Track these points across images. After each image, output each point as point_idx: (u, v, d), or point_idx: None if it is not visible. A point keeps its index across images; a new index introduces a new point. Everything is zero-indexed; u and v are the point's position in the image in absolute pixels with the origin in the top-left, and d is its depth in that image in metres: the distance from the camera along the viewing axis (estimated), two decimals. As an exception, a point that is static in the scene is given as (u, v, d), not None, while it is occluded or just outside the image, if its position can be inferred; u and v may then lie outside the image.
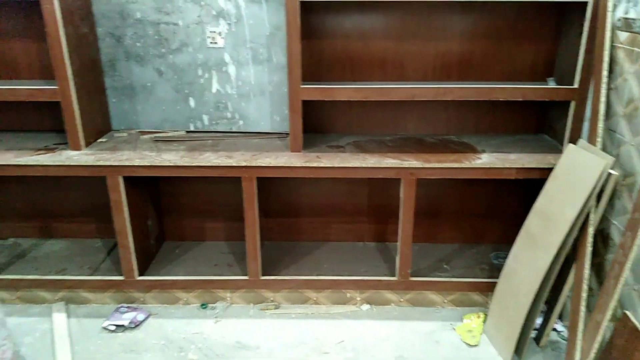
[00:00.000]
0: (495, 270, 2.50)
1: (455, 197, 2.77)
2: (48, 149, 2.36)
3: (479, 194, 2.76)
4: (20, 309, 2.54)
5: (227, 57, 2.52)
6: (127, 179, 2.30)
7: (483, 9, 2.40)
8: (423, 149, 2.42)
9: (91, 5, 2.41)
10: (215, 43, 2.48)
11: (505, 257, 2.36)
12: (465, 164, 2.25)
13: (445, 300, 2.56)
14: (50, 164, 2.24)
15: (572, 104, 2.27)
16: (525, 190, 2.67)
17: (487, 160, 2.28)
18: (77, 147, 2.33)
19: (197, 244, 2.86)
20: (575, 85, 2.24)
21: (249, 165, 2.26)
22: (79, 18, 2.29)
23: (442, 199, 2.78)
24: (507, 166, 2.24)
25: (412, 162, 2.25)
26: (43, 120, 2.64)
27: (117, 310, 2.50)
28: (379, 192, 2.76)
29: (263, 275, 2.50)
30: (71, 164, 2.23)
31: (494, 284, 2.38)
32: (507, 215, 2.77)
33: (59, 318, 2.45)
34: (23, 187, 2.76)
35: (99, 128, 2.52)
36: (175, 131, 2.65)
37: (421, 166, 2.24)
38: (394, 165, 2.25)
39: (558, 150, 2.37)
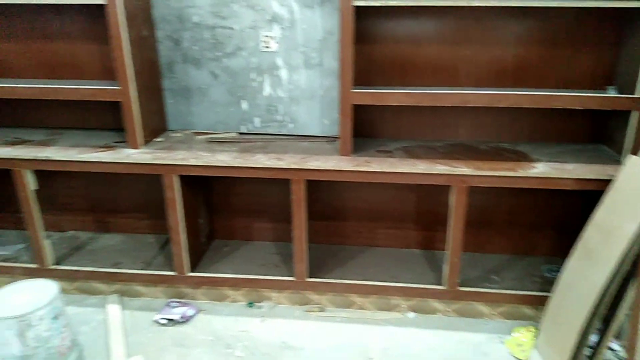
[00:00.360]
0: (548, 284, 2.41)
1: (506, 206, 2.70)
2: (108, 147, 2.47)
3: (531, 204, 2.68)
4: (78, 299, 2.67)
5: (279, 61, 2.56)
6: (181, 178, 2.38)
7: (540, 14, 2.34)
8: (475, 156, 2.37)
9: (152, 9, 2.51)
10: (269, 47, 2.53)
11: (558, 270, 2.28)
12: (520, 173, 2.19)
13: (494, 312, 2.50)
14: (110, 161, 2.34)
15: (634, 114, 2.17)
16: (579, 201, 2.57)
17: (543, 169, 2.21)
18: (135, 146, 2.43)
19: (245, 243, 2.92)
20: (637, 95, 2.14)
21: (298, 167, 2.28)
22: (140, 21, 2.39)
23: (492, 208, 2.71)
24: (564, 177, 2.16)
25: (463, 169, 2.21)
26: (104, 119, 2.76)
27: (168, 304, 2.58)
28: (427, 198, 2.73)
29: (309, 277, 2.52)
30: (130, 161, 2.33)
31: (546, 298, 2.30)
32: (560, 226, 2.68)
33: (114, 309, 2.55)
34: (83, 183, 2.90)
35: (156, 128, 2.61)
36: (227, 132, 2.71)
37: (473, 174, 2.20)
38: (444, 172, 2.21)
39: (617, 161, 2.27)
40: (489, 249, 2.80)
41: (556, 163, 2.28)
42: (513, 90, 2.28)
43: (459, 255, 2.36)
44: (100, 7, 2.27)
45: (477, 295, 2.46)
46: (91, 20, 2.54)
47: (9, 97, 2.44)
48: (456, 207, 2.26)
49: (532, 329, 2.37)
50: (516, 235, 2.76)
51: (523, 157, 2.36)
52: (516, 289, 2.46)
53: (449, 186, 2.27)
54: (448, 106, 2.40)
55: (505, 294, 2.44)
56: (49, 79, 2.67)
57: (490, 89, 2.40)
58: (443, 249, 2.75)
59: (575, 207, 2.60)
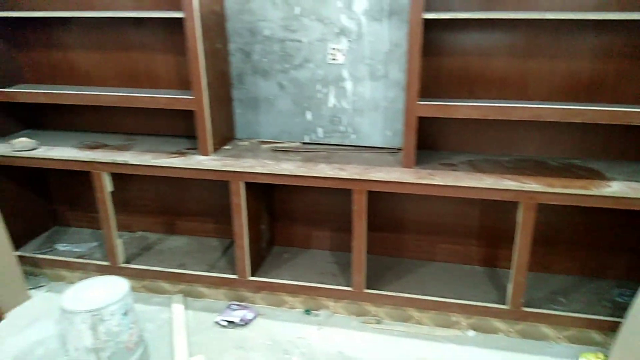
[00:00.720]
0: (619, 308, 2.29)
1: (576, 225, 2.59)
2: (180, 153, 2.59)
3: (604, 224, 2.55)
4: (145, 298, 2.79)
5: (345, 73, 2.60)
6: (247, 185, 2.45)
7: (619, 27, 2.24)
8: (545, 172, 2.30)
9: (226, 22, 2.62)
10: (336, 59, 2.57)
11: (632, 295, 2.16)
12: (593, 192, 2.10)
13: (560, 336, 2.39)
14: (183, 167, 2.45)
15: None
16: (660, 223, 2.43)
17: (618, 188, 2.11)
18: (205, 153, 2.53)
19: (304, 251, 2.96)
20: None
21: (361, 178, 2.30)
22: (214, 35, 2.50)
23: (561, 226, 2.61)
24: (642, 196, 2.05)
25: (533, 185, 2.15)
26: (176, 126, 2.90)
27: (228, 307, 2.65)
28: (490, 213, 2.67)
29: (366, 288, 2.52)
30: (200, 167, 2.43)
31: (617, 323, 2.19)
32: (635, 249, 2.54)
33: (178, 309, 2.66)
34: (154, 186, 3.05)
35: (225, 136, 2.72)
36: (291, 142, 2.78)
37: (543, 190, 2.13)
38: (513, 188, 2.16)
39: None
40: (556, 269, 2.69)
41: (633, 182, 2.17)
42: (587, 106, 2.19)
43: (525, 274, 2.29)
44: (177, 20, 2.41)
45: (542, 317, 2.37)
46: (168, 33, 2.69)
47: (93, 104, 2.62)
48: (523, 225, 2.20)
49: (601, 356, 2.25)
50: (586, 255, 2.63)
51: (596, 175, 2.26)
52: (585, 312, 2.35)
53: (515, 202, 2.21)
54: (516, 120, 2.34)
55: (573, 317, 2.34)
56: (127, 87, 2.84)
57: (562, 103, 2.33)
58: (506, 267, 2.68)
59: (652, 229, 2.47)
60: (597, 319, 2.32)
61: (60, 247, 3.01)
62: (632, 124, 2.12)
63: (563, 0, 2.25)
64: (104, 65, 2.85)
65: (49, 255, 2.89)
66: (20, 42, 2.90)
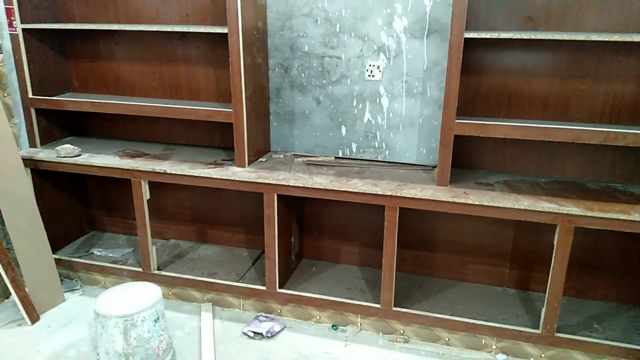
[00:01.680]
0: (660, 340, 2.21)
1: (615, 250, 2.52)
2: (217, 164, 2.64)
3: (644, 251, 2.49)
4: (174, 305, 2.83)
5: (382, 90, 2.62)
6: (279, 197, 2.48)
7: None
8: (583, 195, 2.25)
9: (267, 38, 2.68)
10: (373, 76, 2.60)
11: (675, 327, 2.08)
12: (635, 217, 2.05)
13: (596, 364, 2.32)
14: (219, 178, 2.50)
15: None
16: None
17: (661, 214, 2.06)
18: (242, 164, 2.58)
19: (332, 265, 2.96)
20: None
21: (393, 194, 2.30)
22: (256, 50, 2.56)
23: (598, 251, 2.55)
24: (687, 224, 1.99)
25: (571, 208, 2.11)
26: (213, 137, 2.96)
27: (256, 318, 2.67)
28: (525, 236, 2.62)
29: (395, 306, 2.50)
30: (236, 179, 2.48)
31: (658, 355, 2.11)
32: (678, 279, 2.45)
33: (206, 318, 2.68)
34: (189, 195, 3.11)
35: (260, 148, 2.76)
36: (325, 156, 2.80)
37: (582, 214, 2.09)
38: (550, 210, 2.12)
39: None
40: (592, 295, 2.62)
41: (677, 209, 2.11)
42: (630, 129, 2.15)
43: (560, 299, 2.23)
44: (220, 35, 2.47)
45: (576, 344, 2.30)
46: (211, 47, 2.77)
47: (136, 114, 2.71)
48: (560, 248, 2.16)
49: (640, 388, 2.17)
50: (624, 282, 2.56)
51: (637, 200, 2.21)
52: (620, 341, 2.27)
53: (551, 225, 2.17)
54: (556, 141, 2.31)
55: (608, 344, 2.26)
56: (169, 98, 2.93)
57: (604, 125, 2.29)
58: (540, 291, 2.63)
59: (696, 259, 2.38)
60: (633, 348, 2.24)
61: (96, 251, 3.09)
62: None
63: (606, 22, 2.23)
64: (147, 77, 2.94)
65: (85, 259, 2.97)
66: (68, 52, 3.03)
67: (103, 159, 2.72)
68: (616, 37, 2.01)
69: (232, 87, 2.45)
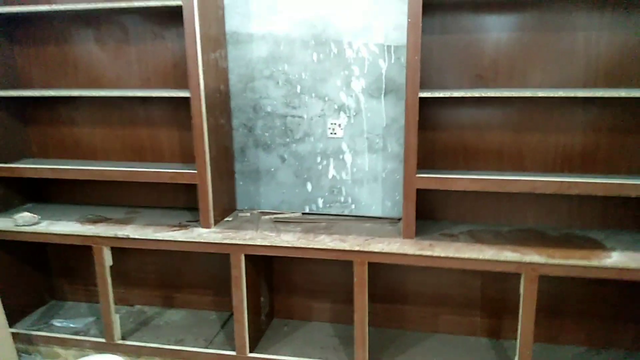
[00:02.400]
0: (631, 383, 2.22)
1: (581, 295, 2.57)
2: (182, 226, 2.61)
3: (608, 294, 2.54)
4: (140, 374, 2.70)
5: (344, 146, 2.68)
6: (247, 257, 2.45)
7: (608, 103, 2.35)
8: (545, 243, 2.31)
9: (230, 100, 2.73)
10: (335, 134, 2.66)
11: (644, 370, 2.11)
12: (595, 263, 2.10)
13: (572, 413, 2.31)
14: (184, 241, 2.46)
15: None
16: (663, 293, 2.41)
17: (619, 259, 2.12)
18: (207, 225, 2.55)
19: (304, 324, 2.90)
20: None
21: (361, 250, 2.30)
22: (219, 111, 2.59)
23: (564, 297, 2.59)
24: (644, 267, 2.06)
25: (534, 257, 2.16)
26: (177, 198, 2.93)
27: (227, 385, 2.56)
28: (493, 284, 2.65)
29: (370, 363, 2.46)
30: (201, 241, 2.44)
31: (631, 400, 2.11)
32: (642, 319, 2.51)
33: (174, 387, 2.56)
34: (153, 258, 3.03)
35: (226, 207, 2.74)
36: (292, 212, 2.80)
37: (544, 262, 2.13)
38: (514, 260, 2.16)
39: None
40: (562, 340, 2.64)
41: (634, 252, 2.18)
42: (582, 177, 2.25)
43: (531, 347, 2.24)
44: (185, 99, 2.50)
45: (552, 393, 2.29)
46: (173, 109, 2.79)
47: (98, 179, 2.66)
48: (526, 296, 2.18)
49: None
50: (593, 326, 2.59)
51: (596, 245, 2.28)
52: (596, 388, 2.28)
53: (516, 273, 2.20)
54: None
55: (584, 392, 2.27)
56: (132, 160, 2.90)
57: (558, 174, 2.38)
58: (511, 338, 2.63)
59: (656, 299, 2.44)
60: (608, 395, 2.25)
61: (57, 322, 2.94)
62: (626, 196, 2.16)
63: (551, 77, 2.37)
64: (109, 140, 2.92)
65: (44, 331, 2.82)
66: (27, 117, 2.99)
67: (63, 225, 2.64)
68: (560, 93, 2.13)
69: (196, 149, 2.46)
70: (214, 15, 2.53)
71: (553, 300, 2.59)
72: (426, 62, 2.43)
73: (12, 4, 2.77)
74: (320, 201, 2.79)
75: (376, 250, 2.29)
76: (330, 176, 2.74)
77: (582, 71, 2.35)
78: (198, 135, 2.44)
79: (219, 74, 2.59)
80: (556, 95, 2.14)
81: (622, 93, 2.09)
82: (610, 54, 2.30)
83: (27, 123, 3.00)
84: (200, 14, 2.36)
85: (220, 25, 2.62)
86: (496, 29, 2.38)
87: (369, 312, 2.41)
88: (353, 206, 2.76)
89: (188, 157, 2.82)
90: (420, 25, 2.14)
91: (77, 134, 2.96)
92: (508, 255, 2.18)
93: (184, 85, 2.60)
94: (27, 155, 3.02)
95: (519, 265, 2.16)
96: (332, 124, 2.66)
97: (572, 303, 2.59)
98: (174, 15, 2.57)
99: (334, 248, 2.33)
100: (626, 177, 2.31)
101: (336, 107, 2.63)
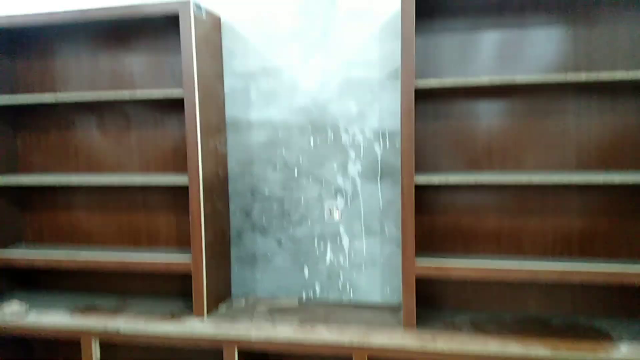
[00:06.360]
0: None
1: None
2: (174, 316, 2.52)
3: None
4: None
5: (342, 230, 2.66)
6: (241, 352, 2.35)
7: (604, 189, 2.36)
8: (549, 334, 2.23)
9: (228, 185, 2.74)
10: (332, 217, 2.65)
11: None
12: (602, 355, 2.02)
13: None
14: (175, 337, 2.36)
15: None
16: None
17: (627, 351, 2.04)
18: (200, 315, 2.47)
19: (301, 419, 2.74)
20: None
21: (361, 346, 2.22)
22: (217, 196, 2.60)
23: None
24: (655, 362, 1.97)
25: (539, 351, 2.07)
26: (172, 286, 2.84)
27: None
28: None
29: None
30: (193, 336, 2.34)
31: None
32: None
33: None
34: (144, 351, 2.91)
35: (221, 295, 2.67)
36: (288, 298, 2.73)
37: (550, 357, 2.05)
38: (519, 353, 2.08)
39: None
40: None
41: (641, 343, 2.10)
42: (583, 263, 2.21)
43: None
44: (184, 188, 2.50)
45: None
46: (172, 194, 2.78)
47: (92, 269, 2.61)
48: (535, 393, 2.08)
49: None
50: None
51: (602, 336, 2.20)
52: None
53: (524, 366, 2.11)
54: (514, 277, 2.35)
55: None
56: (127, 245, 2.86)
57: (558, 259, 2.34)
58: None
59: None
60: None
61: (38, 418, 2.78)
62: (629, 284, 2.12)
63: (544, 160, 2.40)
64: (106, 225, 2.89)
65: None
66: (25, 202, 2.98)
67: (52, 317, 2.54)
68: (555, 179, 2.14)
69: (192, 237, 2.43)
70: (215, 104, 2.60)
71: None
72: (421, 147, 2.47)
73: (17, 91, 2.87)
74: (317, 287, 2.73)
75: (376, 344, 2.21)
76: (327, 261, 2.69)
77: (574, 154, 2.38)
78: (195, 222, 2.43)
79: (218, 159, 2.62)
80: (550, 183, 2.15)
81: (616, 179, 2.10)
82: (600, 137, 2.34)
83: (24, 208, 2.99)
84: (201, 103, 2.43)
85: (221, 113, 2.68)
86: (488, 114, 2.44)
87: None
88: (351, 292, 2.69)
89: (184, 241, 2.78)
90: (413, 112, 2.20)
91: (73, 219, 2.93)
92: (513, 350, 2.09)
93: (183, 169, 2.61)
94: (21, 239, 2.98)
95: None
96: (329, 207, 2.65)
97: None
98: (176, 104, 2.63)
99: (333, 343, 2.25)
100: (627, 261, 2.28)
101: (333, 190, 2.64)
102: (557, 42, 2.34)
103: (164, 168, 2.80)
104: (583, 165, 2.37)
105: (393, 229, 2.61)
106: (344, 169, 2.63)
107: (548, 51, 2.35)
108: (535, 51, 2.36)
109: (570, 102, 2.36)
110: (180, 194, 2.74)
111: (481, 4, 2.39)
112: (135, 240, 2.87)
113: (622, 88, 2.30)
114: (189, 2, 2.34)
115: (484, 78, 2.23)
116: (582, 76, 2.10)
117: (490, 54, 2.41)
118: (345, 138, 2.63)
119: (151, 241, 2.86)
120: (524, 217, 2.45)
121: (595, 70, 2.31)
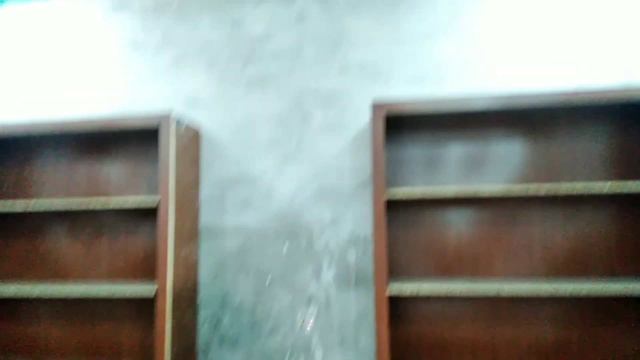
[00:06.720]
0: None
1: None
2: None
3: None
4: None
5: (314, 340, 2.57)
6: None
7: (573, 300, 2.37)
8: None
9: (197, 294, 2.67)
10: (305, 327, 2.57)
11: None
12: None
13: None
14: None
15: None
16: None
17: None
18: None
19: None
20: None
21: None
22: (185, 306, 2.52)
23: None
24: None
25: None
26: (133, 402, 2.67)
27: None
28: None
29: None
30: None
31: None
32: None
33: None
34: None
35: (185, 416, 2.49)
36: (258, 418, 2.56)
37: None
38: None
39: None
40: None
41: None
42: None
43: None
44: (151, 299, 2.44)
45: None
46: (136, 305, 2.69)
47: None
48: None
49: None
50: None
51: None
52: None
53: None
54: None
55: None
56: (88, 356, 2.70)
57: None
58: None
59: None
60: None
61: None
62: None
63: (513, 267, 2.43)
64: (67, 338, 2.74)
65: None
66: (-17, 311, 2.85)
67: None
68: (523, 289, 2.15)
69: (156, 352, 2.31)
70: (189, 211, 2.62)
71: None
72: (393, 253, 2.49)
73: (-12, 198, 2.85)
74: (290, 402, 2.57)
75: None
76: (300, 374, 2.57)
77: (542, 262, 2.43)
78: (160, 339, 2.32)
79: (188, 268, 2.58)
80: (517, 295, 2.16)
81: (584, 289, 2.12)
82: (566, 245, 2.41)
83: (-19, 317, 2.85)
84: (176, 210, 2.44)
85: (194, 220, 2.69)
86: (457, 222, 2.50)
87: None
88: (326, 407, 2.54)
89: (148, 356, 2.64)
90: (385, 222, 2.24)
91: (33, 331, 2.78)
92: None
93: (153, 276, 2.55)
94: (-26, 353, 2.80)
95: None
96: (301, 317, 2.58)
97: None
98: (149, 212, 2.64)
99: None
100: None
101: (306, 299, 2.59)
102: (519, 155, 2.48)
103: (133, 275, 2.73)
104: (552, 272, 2.41)
105: (367, 340, 2.54)
106: (317, 276, 2.61)
107: (511, 163, 2.49)
108: (498, 163, 2.50)
109: (535, 212, 2.45)
110: (147, 306, 2.66)
111: (446, 119, 2.56)
112: (97, 354, 2.71)
113: (583, 198, 2.41)
114: (169, 117, 2.44)
115: (450, 189, 2.32)
116: (542, 189, 2.21)
117: (457, 165, 2.53)
118: (318, 245, 2.64)
119: (113, 355, 2.70)
120: (497, 326, 2.43)
121: (556, 181, 2.43)
